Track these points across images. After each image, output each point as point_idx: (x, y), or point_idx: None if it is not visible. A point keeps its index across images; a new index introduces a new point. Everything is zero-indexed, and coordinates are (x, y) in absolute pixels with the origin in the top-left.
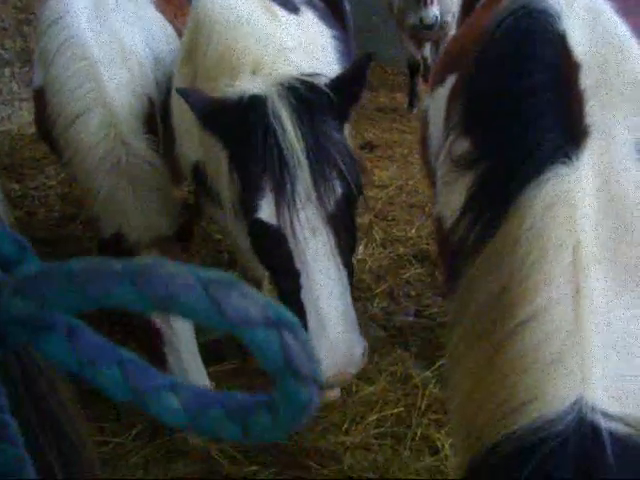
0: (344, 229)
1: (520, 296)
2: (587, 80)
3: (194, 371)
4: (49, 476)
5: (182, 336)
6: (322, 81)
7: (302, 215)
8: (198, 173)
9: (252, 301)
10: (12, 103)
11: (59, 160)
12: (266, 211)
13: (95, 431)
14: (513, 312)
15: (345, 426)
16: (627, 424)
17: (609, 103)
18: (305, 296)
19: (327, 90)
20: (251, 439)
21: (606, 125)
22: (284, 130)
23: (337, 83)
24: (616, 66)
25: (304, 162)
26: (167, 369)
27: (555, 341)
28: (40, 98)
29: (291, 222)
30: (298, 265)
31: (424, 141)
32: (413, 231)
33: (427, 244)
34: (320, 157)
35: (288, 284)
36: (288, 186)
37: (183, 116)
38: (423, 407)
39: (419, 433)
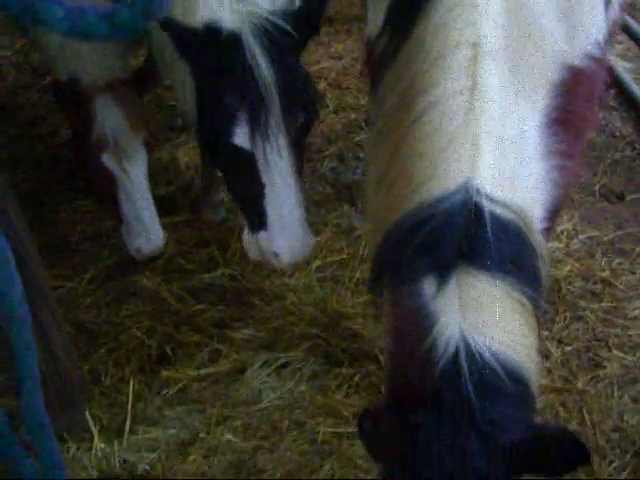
0: (301, 149)
1: (422, 88)
2: None
3: (147, 217)
4: None
5: (136, 182)
6: (285, 18)
7: (272, 141)
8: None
9: None
10: None
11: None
12: (241, 137)
13: (49, 277)
14: (415, 103)
15: (289, 270)
16: (509, 209)
17: None
18: (269, 204)
19: (292, 32)
20: (117, 32)
21: None
22: (259, 69)
23: (297, 21)
24: None
25: (276, 97)
26: (122, 214)
27: (450, 128)
28: None
29: (263, 147)
30: (264, 179)
31: None
32: (366, 98)
33: None
34: (288, 91)
35: (253, 193)
36: (262, 117)
37: None
38: (364, 254)
39: (358, 276)
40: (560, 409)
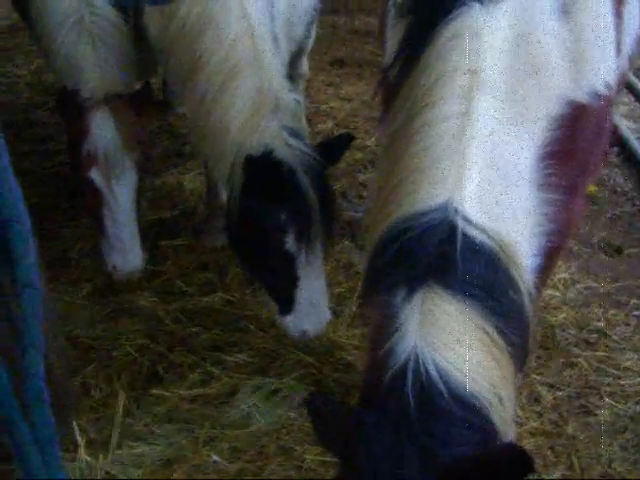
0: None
1: (420, 110)
2: None
3: (128, 237)
4: None
5: (121, 201)
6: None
7: (313, 247)
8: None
9: None
10: None
11: (28, 30)
12: (290, 245)
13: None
14: (413, 123)
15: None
16: (486, 234)
17: None
18: (302, 291)
19: (325, 163)
20: None
21: None
22: (308, 194)
23: (328, 153)
24: None
25: (318, 217)
26: (104, 230)
27: (438, 149)
28: None
29: (306, 252)
30: (300, 274)
31: (383, 18)
32: (372, 140)
33: None
34: (324, 211)
35: (286, 285)
36: (308, 232)
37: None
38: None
39: (354, 310)
40: (549, 453)
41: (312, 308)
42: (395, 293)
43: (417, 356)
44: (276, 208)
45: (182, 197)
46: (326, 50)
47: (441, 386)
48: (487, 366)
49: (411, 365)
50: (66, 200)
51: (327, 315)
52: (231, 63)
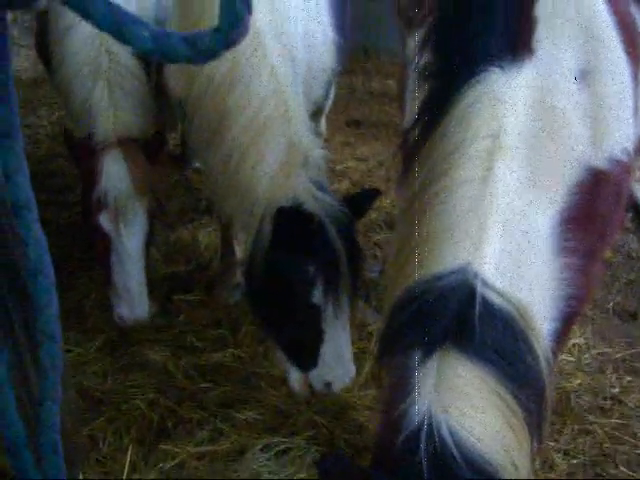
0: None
1: (439, 174)
2: (541, 9)
3: (135, 287)
4: None
5: (129, 248)
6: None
7: (340, 300)
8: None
9: None
10: (12, 49)
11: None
12: (317, 297)
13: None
14: (432, 187)
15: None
16: (506, 299)
17: (560, 31)
18: (328, 344)
19: (352, 217)
20: (198, 55)
21: (553, 50)
22: (336, 246)
23: (353, 206)
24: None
25: (345, 265)
26: (111, 278)
27: (458, 213)
28: (43, 16)
29: (333, 305)
30: (324, 326)
31: (403, 81)
32: (388, 201)
33: None
34: (352, 264)
35: (311, 338)
36: (336, 284)
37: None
38: (374, 351)
39: (367, 370)
40: None
41: (337, 361)
42: (411, 355)
43: (431, 419)
44: (305, 261)
45: (197, 252)
46: (343, 110)
47: (454, 450)
48: (502, 432)
49: (425, 428)
50: (81, 250)
51: (352, 369)
52: (260, 121)
